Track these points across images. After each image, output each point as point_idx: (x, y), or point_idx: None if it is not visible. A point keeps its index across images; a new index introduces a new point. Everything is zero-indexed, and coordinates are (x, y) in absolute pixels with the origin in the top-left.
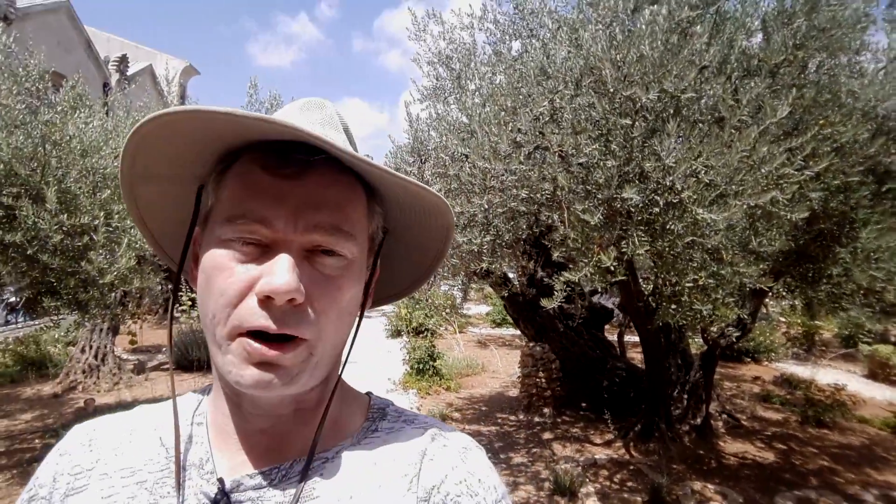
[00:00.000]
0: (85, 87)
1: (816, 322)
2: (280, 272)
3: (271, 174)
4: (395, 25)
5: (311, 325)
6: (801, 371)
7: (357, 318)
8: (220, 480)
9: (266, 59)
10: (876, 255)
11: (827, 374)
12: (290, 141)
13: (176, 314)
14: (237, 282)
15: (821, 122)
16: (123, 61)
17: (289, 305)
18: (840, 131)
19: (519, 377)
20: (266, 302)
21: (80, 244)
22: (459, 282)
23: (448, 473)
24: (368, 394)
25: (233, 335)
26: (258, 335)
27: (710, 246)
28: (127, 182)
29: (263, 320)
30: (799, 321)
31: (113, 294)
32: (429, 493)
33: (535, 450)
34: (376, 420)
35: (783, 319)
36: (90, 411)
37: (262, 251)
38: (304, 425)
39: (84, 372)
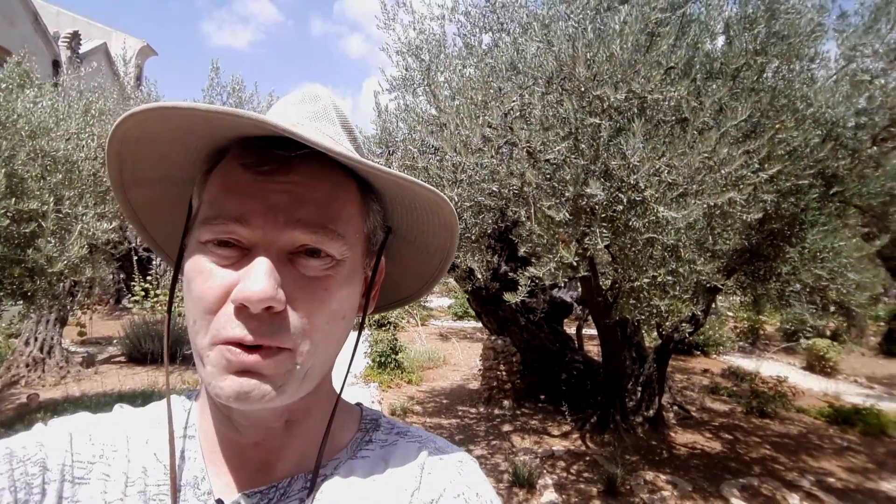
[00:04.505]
0: (33, 62)
1: (761, 317)
2: (256, 277)
3: (251, 172)
4: (355, 9)
5: (294, 333)
6: (747, 364)
7: (355, 323)
8: (219, 502)
9: (222, 38)
10: (822, 254)
11: (770, 367)
12: (277, 137)
13: (128, 304)
14: (214, 287)
15: (776, 126)
16: (75, 38)
17: (267, 313)
18: (793, 136)
19: (480, 370)
20: (242, 310)
21: (27, 231)
22: None
23: (446, 487)
24: (359, 404)
25: (212, 344)
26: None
27: (669, 243)
28: (118, 186)
29: (239, 331)
30: (745, 316)
31: (62, 284)
32: None
33: (494, 442)
34: (370, 431)
35: (731, 314)
36: (33, 407)
37: (242, 255)
38: (296, 438)
39: (28, 366)
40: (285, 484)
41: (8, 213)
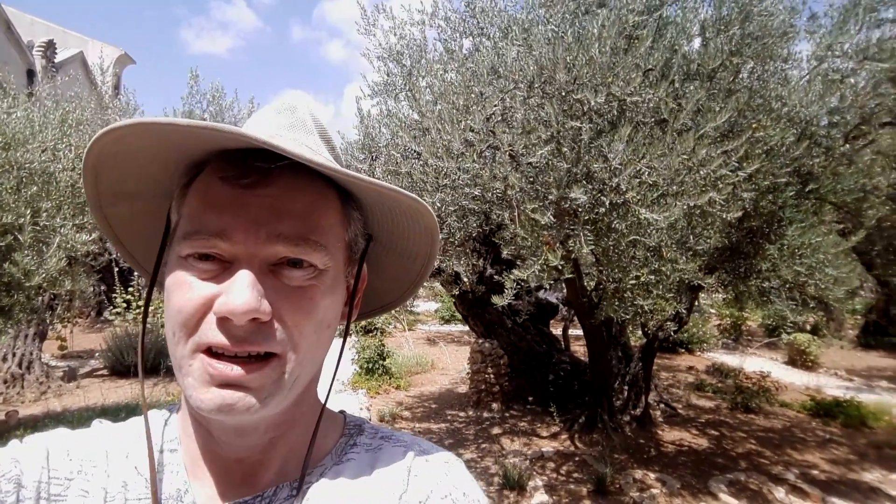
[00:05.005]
0: (7, 72)
1: (743, 314)
2: (238, 290)
3: (230, 184)
4: (334, 15)
5: (281, 341)
6: (731, 360)
7: (339, 332)
8: None
9: (201, 45)
10: (800, 251)
11: (753, 362)
12: (256, 148)
13: (109, 317)
14: (194, 299)
15: (753, 125)
16: (50, 47)
17: (252, 325)
18: (770, 135)
19: (468, 373)
20: (225, 322)
21: (2, 244)
22: None
23: (434, 488)
24: (342, 412)
25: (193, 353)
26: (221, 354)
27: (651, 244)
28: (94, 202)
29: (222, 337)
30: (727, 313)
31: (40, 297)
32: None
33: (484, 445)
34: (353, 435)
35: (713, 311)
36: (12, 424)
37: (223, 268)
38: (280, 449)
39: (6, 382)
40: (270, 493)
41: None
